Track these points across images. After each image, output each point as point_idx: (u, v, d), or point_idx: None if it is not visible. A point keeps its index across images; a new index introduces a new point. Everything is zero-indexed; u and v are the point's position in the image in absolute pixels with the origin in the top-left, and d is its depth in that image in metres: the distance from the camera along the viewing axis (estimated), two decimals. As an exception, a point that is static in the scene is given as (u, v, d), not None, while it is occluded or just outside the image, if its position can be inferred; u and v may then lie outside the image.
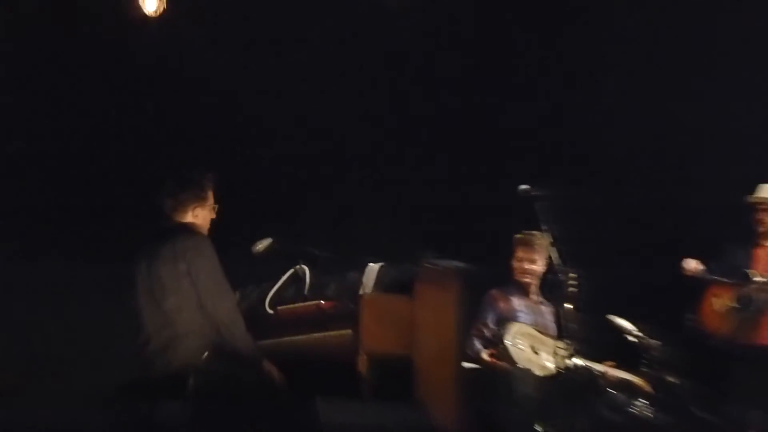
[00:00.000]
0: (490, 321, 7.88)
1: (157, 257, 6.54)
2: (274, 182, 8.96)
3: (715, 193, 8.37)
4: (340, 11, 8.94)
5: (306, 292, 6.92)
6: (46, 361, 8.01)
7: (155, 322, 6.48)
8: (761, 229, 8.18)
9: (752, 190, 8.26)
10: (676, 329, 8.04)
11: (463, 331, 7.12)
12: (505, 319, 7.84)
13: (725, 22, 8.93)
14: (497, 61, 9.41)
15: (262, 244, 7.00)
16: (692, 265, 8.15)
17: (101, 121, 8.81)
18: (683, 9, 9.01)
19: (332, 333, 6.71)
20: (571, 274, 7.28)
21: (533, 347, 7.67)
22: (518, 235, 8.10)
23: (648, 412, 7.57)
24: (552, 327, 7.89)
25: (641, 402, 7.59)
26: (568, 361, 7.32)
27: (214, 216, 6.78)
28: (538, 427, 7.18)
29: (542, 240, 7.78)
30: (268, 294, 6.97)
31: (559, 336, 7.62)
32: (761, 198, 8.15)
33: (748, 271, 8.07)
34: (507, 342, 7.59)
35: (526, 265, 8.06)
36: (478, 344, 7.76)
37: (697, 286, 8.25)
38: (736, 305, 8.08)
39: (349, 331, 6.64)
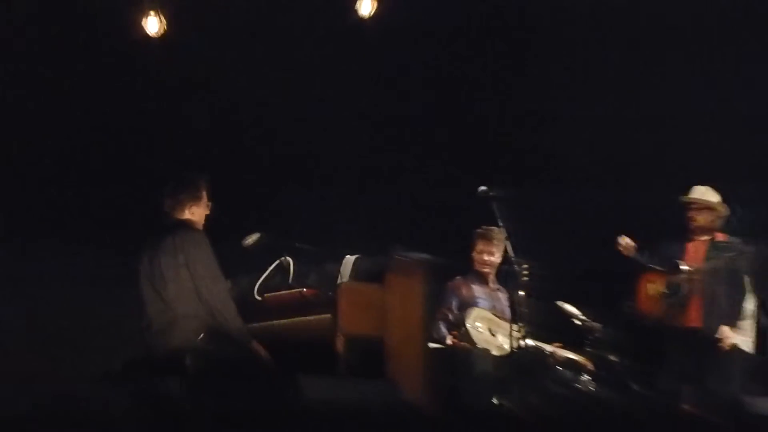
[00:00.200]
0: (453, 306, 7.97)
1: (158, 250, 6.62)
2: (263, 184, 8.93)
3: (654, 193, 8.35)
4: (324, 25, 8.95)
5: (290, 281, 7.02)
6: (63, 342, 7.99)
7: (157, 308, 6.56)
8: (692, 225, 8.12)
9: (686, 191, 8.21)
10: (616, 313, 8.08)
11: (429, 315, 7.23)
12: (466, 304, 7.91)
13: (661, 41, 8.98)
14: (470, 67, 9.41)
15: (251, 239, 7.07)
16: (626, 240, 8.16)
17: (111, 129, 8.81)
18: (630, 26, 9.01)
19: (313, 317, 6.81)
20: (524, 265, 7.29)
21: (491, 330, 7.76)
22: (478, 230, 8.12)
23: (591, 387, 7.62)
24: (507, 312, 7.84)
25: (585, 378, 7.65)
26: (521, 342, 7.27)
27: (208, 212, 6.84)
28: (495, 400, 7.25)
29: (499, 235, 7.79)
30: (256, 283, 7.05)
31: (514, 320, 7.45)
32: (692, 199, 8.11)
33: (679, 261, 8.02)
34: (468, 325, 7.68)
35: (485, 257, 8.10)
36: (442, 327, 7.84)
37: (633, 275, 8.23)
38: (667, 291, 8.05)
39: (329, 316, 6.74)
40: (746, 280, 8.00)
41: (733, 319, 7.93)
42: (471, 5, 9.10)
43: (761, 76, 8.85)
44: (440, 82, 9.41)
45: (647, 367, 7.94)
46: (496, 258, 8.09)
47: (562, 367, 7.69)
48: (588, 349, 7.83)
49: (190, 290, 6.51)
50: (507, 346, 7.49)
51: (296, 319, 6.87)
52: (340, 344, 6.64)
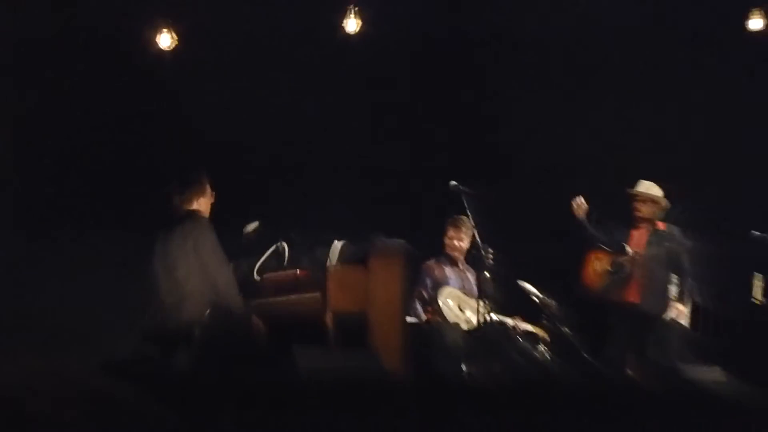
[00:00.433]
0: (427, 286, 8.04)
1: (170, 237, 6.68)
2: (262, 179, 8.84)
3: (603, 186, 8.33)
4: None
5: (285, 263, 7.09)
6: (83, 317, 7.92)
7: (168, 287, 6.61)
8: (637, 215, 8.15)
9: (633, 185, 8.24)
10: (569, 292, 8.08)
11: (406, 293, 7.32)
12: (439, 284, 7.97)
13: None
14: (443, 79, 9.32)
15: (251, 227, 7.16)
16: (580, 199, 8.10)
17: (128, 132, 8.78)
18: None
19: (305, 295, 6.90)
20: (490, 250, 7.43)
21: (460, 306, 7.84)
22: (449, 219, 8.16)
23: (547, 356, 7.67)
24: (475, 290, 7.80)
25: (542, 348, 7.71)
26: (486, 317, 7.42)
27: (213, 201, 6.86)
28: (463, 367, 7.30)
29: (467, 223, 7.89)
30: (255, 265, 7.09)
31: (480, 297, 7.58)
32: (637, 191, 8.16)
33: (624, 244, 8.06)
34: (440, 302, 7.77)
35: (455, 242, 8.14)
36: (417, 304, 7.91)
37: (582, 256, 8.22)
38: (611, 269, 8.08)
39: (319, 294, 6.84)
40: (683, 264, 8.02)
41: (668, 298, 7.98)
42: (445, 22, 9.15)
43: (695, 88, 8.91)
44: (418, 90, 9.33)
45: (595, 338, 7.92)
46: (465, 243, 8.11)
47: (523, 338, 7.72)
48: (544, 322, 7.86)
49: (198, 272, 6.53)
50: (474, 321, 7.58)
51: (290, 297, 6.93)
52: (328, 319, 6.74)
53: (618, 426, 5.55)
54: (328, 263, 7.01)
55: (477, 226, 7.62)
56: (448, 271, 8.13)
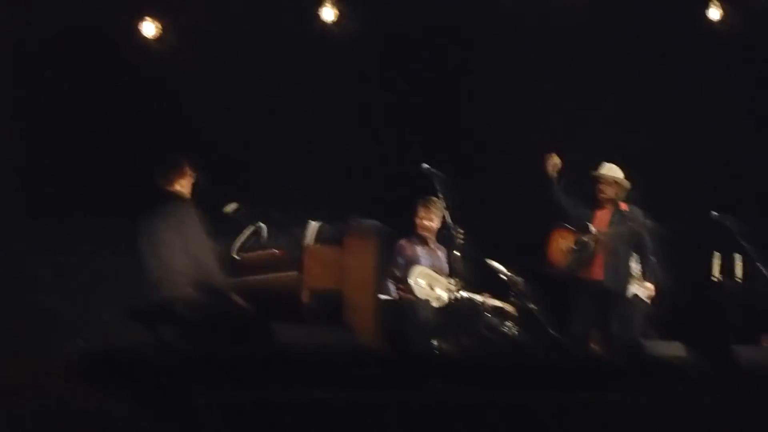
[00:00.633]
0: (400, 264, 7.96)
1: (154, 216, 6.70)
2: (242, 161, 8.77)
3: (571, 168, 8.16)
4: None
5: (263, 243, 7.05)
6: (72, 294, 8.01)
7: (153, 265, 6.62)
8: (601, 196, 8.11)
9: (596, 167, 8.17)
10: (535, 269, 8.08)
11: (379, 272, 7.27)
12: (410, 262, 7.91)
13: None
14: (420, 67, 9.37)
15: (230, 207, 7.10)
16: (555, 158, 7.95)
17: (114, 120, 8.82)
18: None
19: (283, 274, 6.86)
20: (459, 230, 7.51)
21: (430, 284, 7.78)
22: (420, 200, 8.07)
23: (515, 331, 7.76)
24: (445, 268, 7.89)
25: (510, 323, 7.78)
26: (456, 294, 7.49)
27: (194, 181, 6.88)
28: (434, 342, 7.36)
29: (438, 204, 7.88)
30: (235, 244, 7.06)
31: (450, 275, 7.74)
32: (600, 174, 8.11)
33: (588, 224, 8.01)
34: (411, 280, 7.72)
35: (426, 222, 8.06)
36: (390, 282, 7.86)
37: (546, 235, 8.16)
38: (576, 247, 8.02)
39: (296, 273, 6.80)
40: (645, 244, 8.04)
41: (630, 275, 8.01)
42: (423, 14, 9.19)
43: (655, 74, 9.03)
44: (395, 79, 9.34)
45: (560, 315, 7.96)
46: (435, 224, 8.05)
47: (491, 314, 7.75)
48: (512, 299, 7.91)
49: (181, 250, 6.55)
50: (445, 298, 7.64)
51: (268, 276, 6.90)
52: (305, 297, 6.72)
53: (582, 397, 5.62)
54: (305, 243, 6.95)
55: (447, 207, 7.65)
56: (420, 250, 8.06)
